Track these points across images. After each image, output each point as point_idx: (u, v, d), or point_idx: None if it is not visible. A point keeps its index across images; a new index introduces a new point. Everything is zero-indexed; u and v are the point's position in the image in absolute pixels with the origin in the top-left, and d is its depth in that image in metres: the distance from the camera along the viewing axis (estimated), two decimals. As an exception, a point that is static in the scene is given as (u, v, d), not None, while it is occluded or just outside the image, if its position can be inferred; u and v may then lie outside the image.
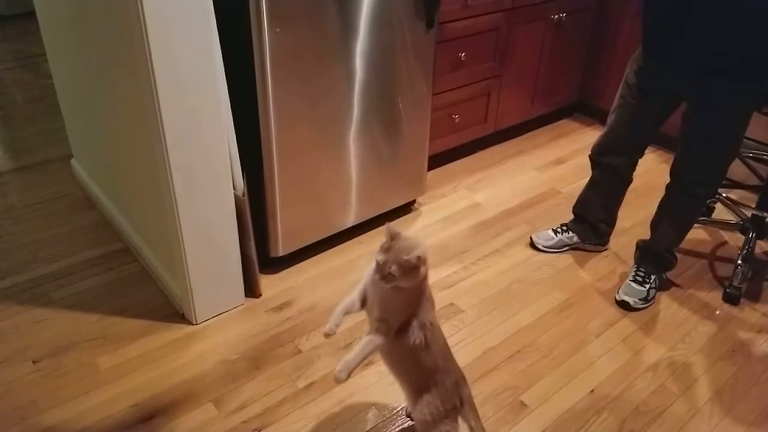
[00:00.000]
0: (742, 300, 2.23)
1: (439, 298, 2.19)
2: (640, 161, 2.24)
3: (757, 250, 2.49)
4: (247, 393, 1.82)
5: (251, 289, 2.17)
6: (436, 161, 2.93)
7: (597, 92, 3.40)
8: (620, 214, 2.41)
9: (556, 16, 3.02)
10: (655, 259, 2.24)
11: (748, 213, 2.49)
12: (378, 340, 1.41)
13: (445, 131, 2.88)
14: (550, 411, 1.79)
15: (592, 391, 1.87)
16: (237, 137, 1.91)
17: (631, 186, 2.30)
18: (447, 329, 2.03)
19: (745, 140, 2.30)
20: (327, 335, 1.41)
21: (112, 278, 2.25)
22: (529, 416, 1.78)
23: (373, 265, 1.36)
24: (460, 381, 1.52)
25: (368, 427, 1.73)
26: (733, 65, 1.81)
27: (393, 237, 1.34)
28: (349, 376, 1.38)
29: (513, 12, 2.83)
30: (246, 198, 1.98)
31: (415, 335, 1.42)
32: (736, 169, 2.49)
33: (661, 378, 1.92)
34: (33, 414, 1.73)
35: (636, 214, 2.65)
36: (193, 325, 2.05)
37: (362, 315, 1.48)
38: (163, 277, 2.16)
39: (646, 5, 1.94)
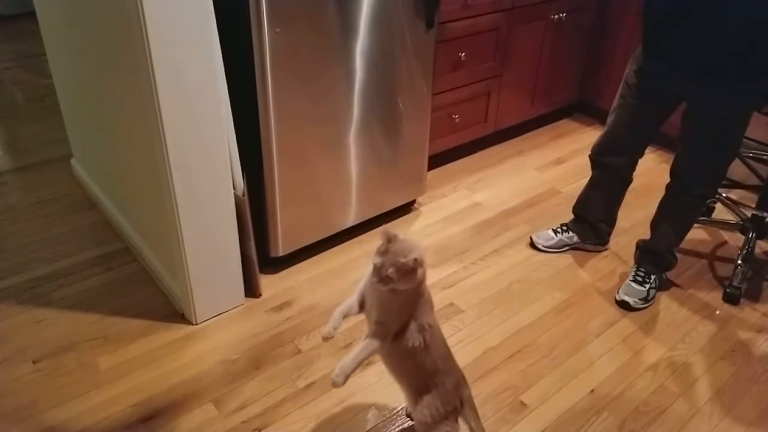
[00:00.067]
0: (742, 300, 2.23)
1: (439, 298, 2.19)
2: (640, 161, 2.24)
3: (757, 250, 2.49)
4: (247, 393, 1.82)
5: (251, 289, 2.17)
6: (436, 161, 2.94)
7: (597, 92, 3.40)
8: (620, 214, 2.41)
9: (556, 16, 3.02)
10: (655, 259, 2.24)
11: (748, 213, 2.49)
12: (375, 344, 1.41)
13: (445, 131, 2.88)
14: (550, 411, 1.79)
15: (592, 391, 1.87)
16: (237, 137, 1.91)
17: (631, 186, 2.30)
18: (447, 329, 2.03)
19: (745, 140, 2.31)
20: (325, 339, 1.41)
21: (112, 278, 2.25)
22: (529, 416, 1.78)
23: (371, 267, 1.36)
24: (460, 382, 1.52)
25: (368, 427, 1.73)
26: (733, 65, 1.81)
27: (390, 239, 1.32)
28: (345, 380, 1.38)
29: (513, 12, 2.83)
30: (246, 198, 1.98)
31: (414, 338, 1.41)
32: (736, 169, 2.49)
33: (661, 378, 1.92)
34: (33, 414, 1.73)
35: (636, 214, 2.65)
36: (193, 325, 2.05)
37: (362, 315, 1.48)
38: (163, 277, 2.16)
39: (646, 5, 1.94)
